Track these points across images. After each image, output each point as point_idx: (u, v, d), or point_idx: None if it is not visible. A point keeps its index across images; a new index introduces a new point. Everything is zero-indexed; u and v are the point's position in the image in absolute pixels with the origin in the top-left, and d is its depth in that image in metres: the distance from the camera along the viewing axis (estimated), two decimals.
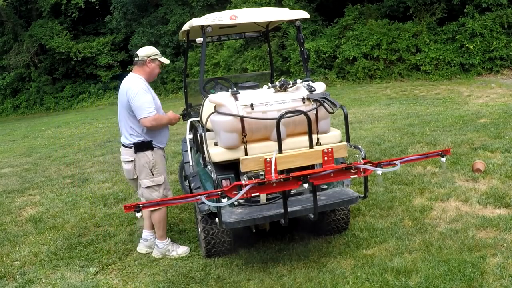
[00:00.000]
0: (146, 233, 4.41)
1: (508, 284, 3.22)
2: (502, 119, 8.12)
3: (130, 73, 4.19)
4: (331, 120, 3.92)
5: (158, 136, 4.15)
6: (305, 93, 3.72)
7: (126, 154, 4.14)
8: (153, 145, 4.11)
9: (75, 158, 9.50)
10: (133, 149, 4.08)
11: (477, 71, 14.08)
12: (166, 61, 4.28)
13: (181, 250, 4.29)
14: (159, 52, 4.22)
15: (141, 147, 4.06)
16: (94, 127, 14.42)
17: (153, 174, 4.10)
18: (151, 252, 4.35)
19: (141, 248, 4.41)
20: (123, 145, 4.17)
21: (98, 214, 5.57)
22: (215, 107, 3.65)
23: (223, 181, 3.64)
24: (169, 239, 4.34)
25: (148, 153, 4.08)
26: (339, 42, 16.26)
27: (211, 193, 3.19)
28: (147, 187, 4.12)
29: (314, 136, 3.60)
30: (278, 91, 3.72)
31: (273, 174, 3.17)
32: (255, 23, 4.52)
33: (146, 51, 4.14)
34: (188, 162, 4.80)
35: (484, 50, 14.06)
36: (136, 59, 4.16)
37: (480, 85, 12.61)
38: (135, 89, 3.97)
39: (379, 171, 3.34)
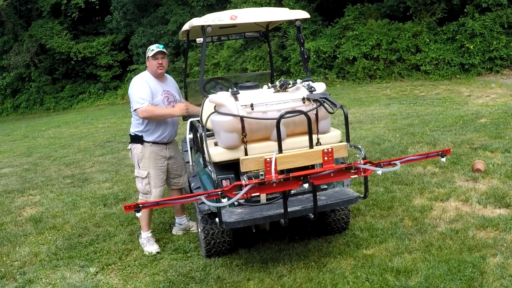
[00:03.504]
0: (178, 219, 4.76)
1: (508, 284, 3.22)
2: (502, 119, 8.12)
3: None
4: (331, 120, 3.92)
5: (150, 132, 4.32)
6: (305, 93, 3.72)
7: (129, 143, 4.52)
8: (144, 140, 4.33)
9: (75, 158, 9.50)
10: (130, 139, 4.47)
11: (477, 71, 14.09)
12: (151, 53, 4.30)
13: (150, 249, 4.39)
14: (149, 49, 4.36)
15: (133, 139, 4.40)
16: (94, 127, 14.43)
17: (139, 167, 4.38)
18: (186, 233, 4.73)
19: (176, 230, 4.78)
20: None
21: (98, 214, 5.57)
22: (215, 107, 3.65)
23: (223, 181, 3.64)
24: (150, 235, 4.50)
25: (138, 146, 4.36)
26: (339, 42, 16.27)
27: (211, 193, 3.19)
28: (135, 176, 4.49)
29: (314, 136, 3.60)
30: (278, 91, 3.72)
31: (273, 174, 3.17)
32: (255, 23, 4.52)
33: (147, 52, 4.39)
34: (188, 162, 4.80)
35: (484, 50, 14.07)
36: None
37: (480, 85, 12.61)
38: (133, 83, 4.29)
39: (379, 171, 3.34)
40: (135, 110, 4.21)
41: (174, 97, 4.43)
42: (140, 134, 4.34)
